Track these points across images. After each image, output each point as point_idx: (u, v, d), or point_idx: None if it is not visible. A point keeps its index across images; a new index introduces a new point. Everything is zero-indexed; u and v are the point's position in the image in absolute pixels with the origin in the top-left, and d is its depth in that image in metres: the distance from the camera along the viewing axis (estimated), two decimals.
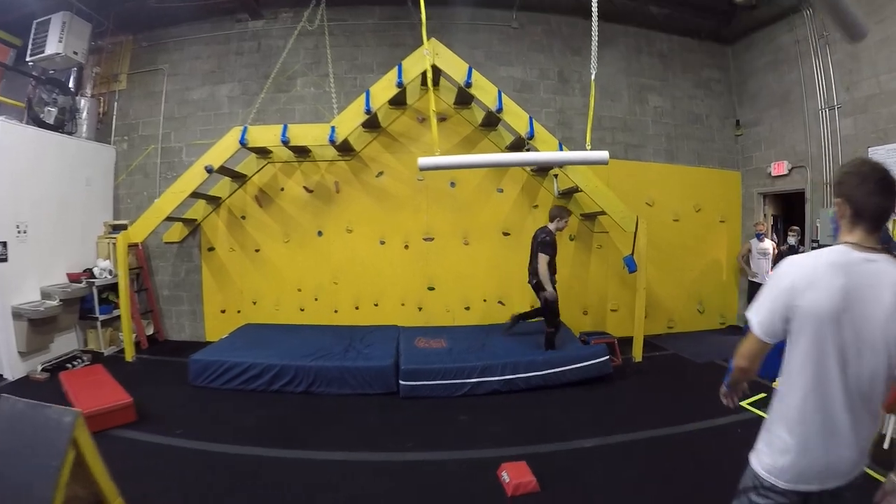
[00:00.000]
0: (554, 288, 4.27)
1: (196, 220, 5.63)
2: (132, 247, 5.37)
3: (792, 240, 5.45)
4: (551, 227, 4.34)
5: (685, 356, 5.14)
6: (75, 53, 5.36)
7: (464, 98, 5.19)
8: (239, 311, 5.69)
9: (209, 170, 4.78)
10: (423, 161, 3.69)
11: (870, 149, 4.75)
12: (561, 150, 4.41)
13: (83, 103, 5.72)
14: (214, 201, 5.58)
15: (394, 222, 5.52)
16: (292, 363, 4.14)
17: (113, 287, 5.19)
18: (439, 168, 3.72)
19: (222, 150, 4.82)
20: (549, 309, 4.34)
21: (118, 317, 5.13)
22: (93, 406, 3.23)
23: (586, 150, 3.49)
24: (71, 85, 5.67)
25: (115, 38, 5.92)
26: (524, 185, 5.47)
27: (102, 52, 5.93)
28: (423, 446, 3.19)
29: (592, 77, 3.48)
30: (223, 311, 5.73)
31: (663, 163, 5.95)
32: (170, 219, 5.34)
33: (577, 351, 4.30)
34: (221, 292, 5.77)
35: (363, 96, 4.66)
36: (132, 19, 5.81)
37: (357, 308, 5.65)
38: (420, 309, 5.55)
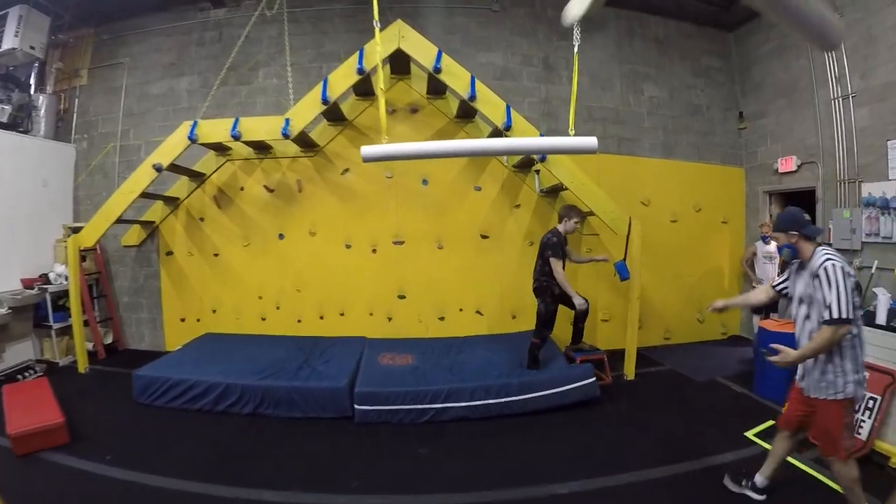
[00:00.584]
0: (559, 295, 3.79)
1: (154, 222, 5.24)
2: (90, 251, 5.14)
3: None
4: (560, 228, 3.86)
5: (683, 373, 4.62)
6: (32, 48, 5.14)
7: (437, 87, 4.70)
8: (198, 320, 5.28)
9: (158, 168, 4.43)
10: (367, 151, 3.17)
11: (889, 141, 4.23)
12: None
13: (41, 100, 5.46)
14: (172, 202, 5.19)
15: (361, 224, 5.03)
16: (238, 382, 3.70)
17: (68, 293, 4.86)
18: (388, 158, 3.21)
19: (171, 146, 4.46)
20: (542, 318, 3.85)
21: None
22: (22, 427, 3.05)
23: (570, 135, 2.99)
24: (32, 81, 5.46)
25: (76, 32, 5.64)
26: (504, 183, 4.96)
27: (64, 46, 5.66)
28: (367, 487, 2.71)
29: (575, 49, 2.96)
30: (183, 320, 5.33)
31: (660, 158, 5.42)
32: (127, 221, 5.08)
33: (559, 372, 3.78)
34: (180, 299, 5.36)
35: (321, 85, 4.20)
36: (93, 11, 5.49)
37: (321, 318, 5.17)
38: (390, 319, 5.05)
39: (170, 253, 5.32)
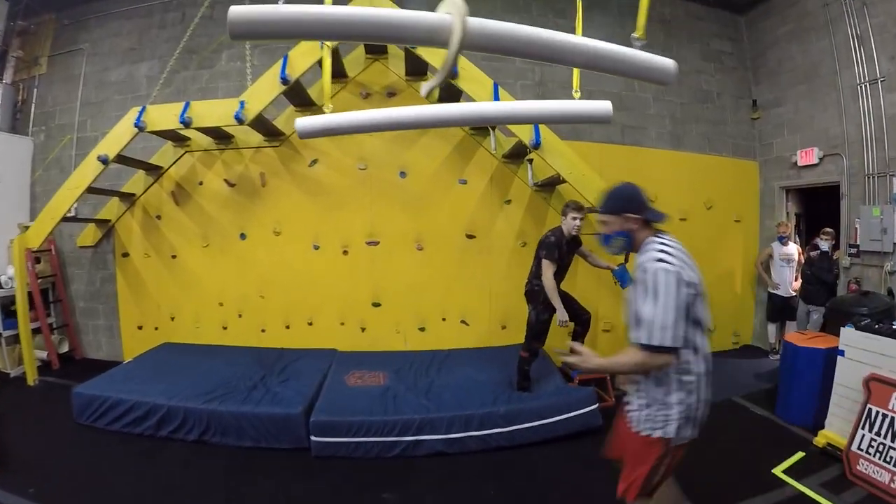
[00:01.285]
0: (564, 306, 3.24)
1: (110, 220, 4.74)
2: (44, 252, 4.77)
3: (824, 244, 4.40)
4: (565, 226, 3.32)
5: None
6: None
7: (417, 67, 4.15)
8: (156, 329, 4.77)
9: (103, 160, 4.00)
10: (304, 123, 2.63)
11: None
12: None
13: None
14: (129, 199, 4.69)
15: (330, 222, 4.45)
16: (181, 405, 3.20)
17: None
18: (330, 132, 2.67)
19: (118, 136, 4.03)
20: (532, 329, 3.32)
21: (32, 332, 4.45)
22: None
23: (573, 97, 2.43)
24: None
25: (37, 18, 5.23)
26: (494, 175, 4.39)
27: (24, 33, 5.27)
28: None
29: None
30: (140, 328, 4.81)
31: (667, 149, 4.88)
32: (81, 220, 4.70)
33: (555, 397, 3.20)
34: (137, 306, 4.83)
35: (280, 63, 3.65)
36: None
37: (287, 327, 4.60)
38: (363, 329, 4.47)
39: (126, 254, 4.81)
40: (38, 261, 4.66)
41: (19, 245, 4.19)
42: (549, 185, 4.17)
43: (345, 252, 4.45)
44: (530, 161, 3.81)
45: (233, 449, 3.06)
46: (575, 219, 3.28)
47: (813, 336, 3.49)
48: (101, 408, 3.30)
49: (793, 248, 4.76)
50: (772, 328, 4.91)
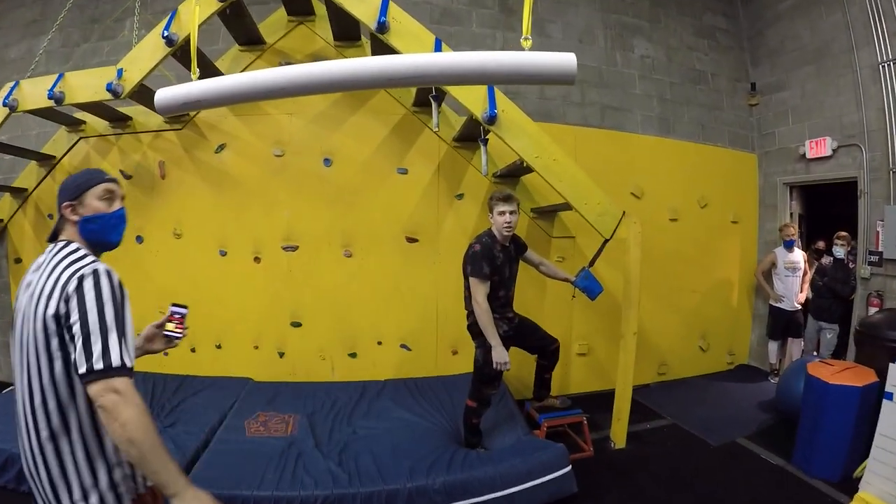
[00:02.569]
0: (504, 334, 2.46)
1: (2, 220, 3.96)
2: None
3: (839, 251, 3.72)
4: (494, 226, 2.51)
5: (691, 430, 3.30)
6: None
7: (348, 30, 3.31)
8: None
9: None
10: (165, 95, 1.87)
11: None
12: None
13: None
14: (21, 195, 3.92)
15: (239, 222, 3.55)
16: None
17: None
18: (198, 105, 1.97)
19: None
20: (480, 371, 2.50)
21: None
22: None
23: (524, 48, 1.65)
24: None
25: None
26: (442, 163, 3.54)
27: None
28: None
29: None
30: None
31: (655, 135, 4.10)
32: None
33: (514, 458, 2.35)
34: None
35: (164, 21, 2.82)
36: None
37: (193, 350, 3.70)
38: (281, 355, 3.58)
39: (18, 260, 4.00)
40: None
41: None
42: (512, 174, 3.34)
43: (256, 259, 3.55)
44: (484, 142, 2.97)
45: None
46: (503, 213, 2.45)
47: (842, 368, 2.76)
48: None
49: (799, 255, 4.08)
50: (773, 346, 4.21)
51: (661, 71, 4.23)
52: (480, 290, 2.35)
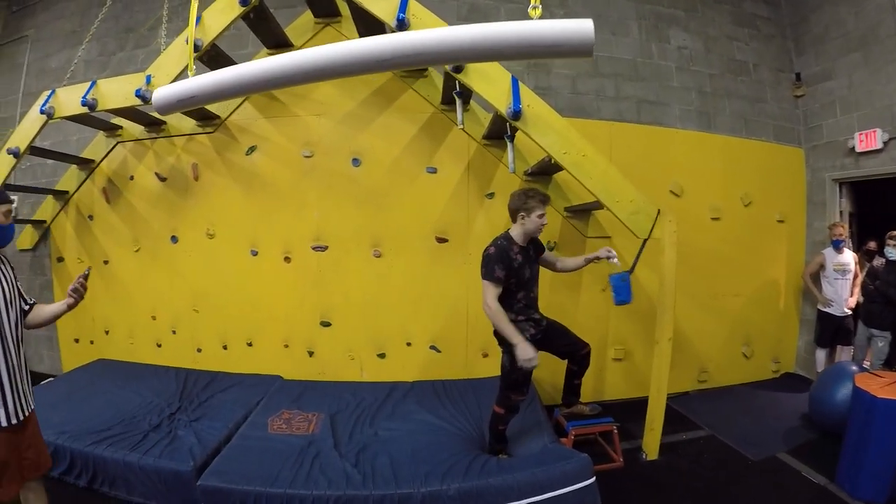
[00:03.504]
0: (531, 338, 2.36)
1: (45, 221, 4.19)
2: None
3: (892, 252, 3.45)
4: (515, 231, 2.44)
5: (730, 443, 3.10)
6: None
7: (371, 29, 3.28)
8: (92, 342, 4.15)
9: (13, 153, 3.47)
10: (162, 94, 1.91)
11: None
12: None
13: None
14: (62, 197, 4.14)
15: (270, 222, 3.59)
16: (68, 444, 2.53)
17: None
18: (198, 100, 2.04)
19: (28, 125, 3.44)
20: (508, 377, 2.41)
21: None
22: None
23: (531, 16, 1.57)
24: None
25: None
26: (471, 162, 3.47)
27: None
28: None
29: None
30: (77, 341, 4.22)
31: (694, 130, 3.91)
32: (18, 221, 4.02)
33: (536, 467, 2.24)
34: (73, 316, 4.05)
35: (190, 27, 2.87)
36: None
37: (225, 348, 3.79)
38: (311, 354, 3.59)
39: (61, 259, 4.23)
40: None
41: None
42: (542, 172, 3.25)
43: (287, 259, 3.58)
44: (510, 138, 2.88)
45: (122, 503, 2.44)
46: (542, 215, 2.38)
47: (892, 380, 2.55)
48: None
49: (849, 256, 3.81)
50: (820, 354, 3.95)
51: (700, 62, 4.04)
52: (490, 293, 2.28)
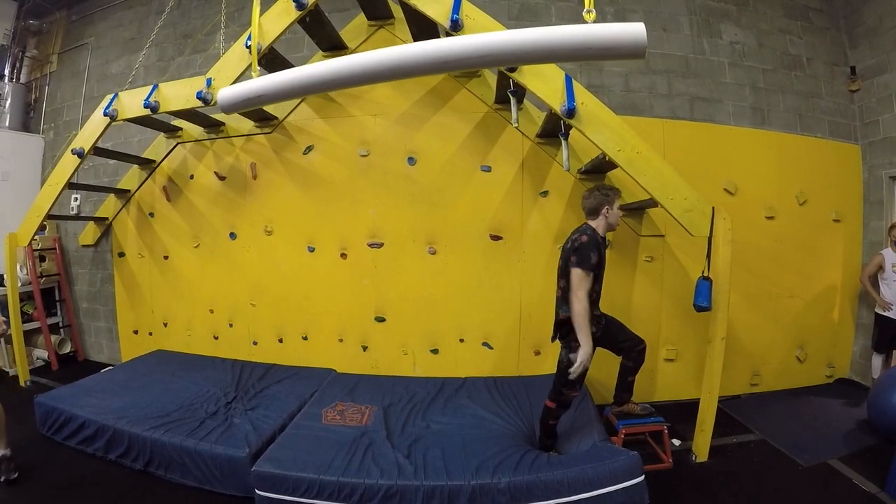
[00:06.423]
0: (592, 336, 2.32)
1: (107, 218, 4.48)
2: (48, 251, 4.75)
3: None
4: (595, 222, 2.44)
5: (781, 448, 3.03)
6: None
7: (424, 31, 3.35)
8: (150, 334, 4.42)
9: (78, 153, 3.68)
10: (227, 94, 2.10)
11: None
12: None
13: (7, 90, 5.25)
14: (124, 195, 4.41)
15: (326, 220, 3.71)
16: (126, 429, 2.74)
17: (30, 296, 4.50)
18: (261, 100, 2.16)
19: (92, 127, 3.64)
20: (564, 373, 2.39)
21: (35, 330, 4.58)
22: None
23: (585, 20, 1.64)
24: (6, 71, 5.36)
25: (51, 17, 5.43)
26: (525, 160, 3.52)
27: (38, 33, 5.48)
28: None
29: None
30: (136, 332, 4.51)
31: (748, 127, 3.86)
32: (81, 218, 4.65)
33: (585, 464, 2.24)
34: (132, 309, 4.53)
35: (247, 32, 2.99)
36: None
37: (281, 341, 3.94)
38: (365, 348, 3.70)
39: (122, 254, 4.51)
40: (42, 259, 4.64)
41: (10, 243, 4.09)
42: (597, 170, 3.26)
43: (343, 255, 3.69)
44: (565, 136, 2.90)
45: (176, 486, 2.59)
46: (619, 208, 2.45)
47: None
48: (58, 421, 2.99)
49: None
50: (877, 360, 3.82)
51: (753, 57, 3.97)
52: (584, 283, 2.26)
